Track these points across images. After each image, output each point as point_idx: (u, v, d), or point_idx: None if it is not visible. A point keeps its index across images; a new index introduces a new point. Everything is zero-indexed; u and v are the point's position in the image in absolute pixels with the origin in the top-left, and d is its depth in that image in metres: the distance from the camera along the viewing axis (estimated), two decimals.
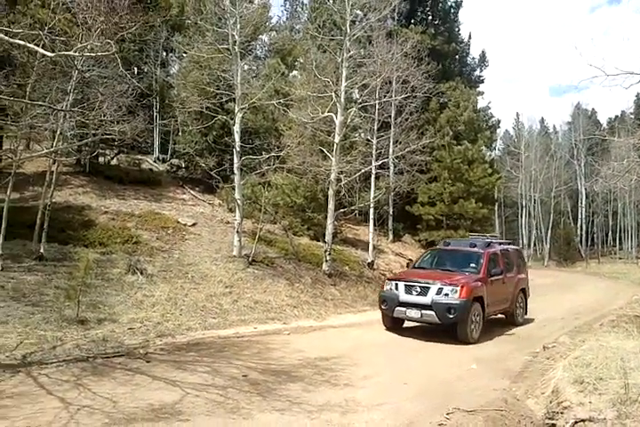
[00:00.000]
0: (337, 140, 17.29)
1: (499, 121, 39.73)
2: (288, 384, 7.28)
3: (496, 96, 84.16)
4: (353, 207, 21.23)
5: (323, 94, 17.58)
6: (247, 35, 16.99)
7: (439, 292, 11.00)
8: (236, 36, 16.19)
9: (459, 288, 10.93)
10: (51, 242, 13.05)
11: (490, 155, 37.20)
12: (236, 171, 16.64)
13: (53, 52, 8.77)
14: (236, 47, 16.23)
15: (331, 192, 17.46)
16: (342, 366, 8.51)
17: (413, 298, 11.20)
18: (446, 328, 11.38)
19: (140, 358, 8.12)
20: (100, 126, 11.99)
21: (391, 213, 26.20)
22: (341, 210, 18.60)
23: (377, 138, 22.27)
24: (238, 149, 16.54)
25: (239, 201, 16.39)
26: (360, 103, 20.23)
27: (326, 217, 17.83)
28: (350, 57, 17.50)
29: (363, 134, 23.96)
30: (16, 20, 12.33)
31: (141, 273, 12.88)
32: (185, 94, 18.52)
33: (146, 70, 21.47)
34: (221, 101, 17.81)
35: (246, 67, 18.13)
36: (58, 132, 12.58)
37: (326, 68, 18.04)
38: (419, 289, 11.22)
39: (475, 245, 12.89)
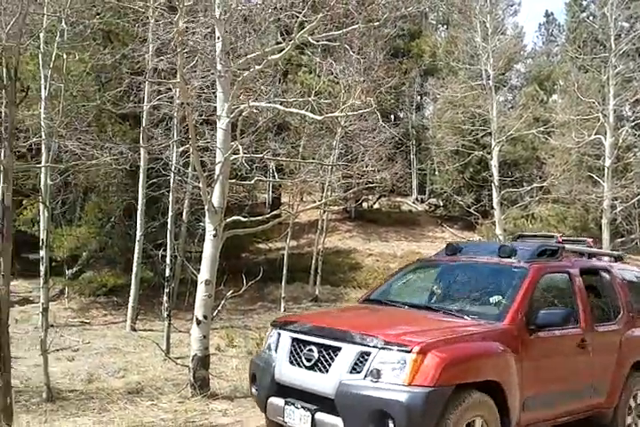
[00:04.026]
0: (608, 163, 16.18)
1: None
2: None
3: None
4: (633, 236, 19.16)
5: (587, 116, 16.70)
6: (501, 67, 16.89)
7: (360, 363, 4.03)
8: (490, 71, 16.18)
9: (410, 356, 3.85)
10: (324, 284, 14.55)
11: None
12: (495, 206, 16.37)
13: (320, 114, 9.52)
14: (490, 81, 16.23)
15: (604, 221, 16.27)
16: None
17: (301, 375, 4.33)
18: None
19: None
20: (362, 176, 12.84)
21: None
22: (619, 240, 17.02)
23: None
24: (497, 182, 16.32)
25: (501, 236, 15.96)
26: (633, 120, 18.57)
27: (600, 248, 16.29)
28: (617, 73, 16.22)
29: (639, 154, 21.58)
30: (288, 89, 14.06)
31: None
32: (440, 135, 18.98)
33: (402, 116, 22.54)
34: (477, 137, 17.80)
35: (501, 99, 17.85)
36: (326, 184, 13.85)
37: (590, 88, 17.11)
38: (315, 353, 4.28)
39: (510, 254, 5.20)
